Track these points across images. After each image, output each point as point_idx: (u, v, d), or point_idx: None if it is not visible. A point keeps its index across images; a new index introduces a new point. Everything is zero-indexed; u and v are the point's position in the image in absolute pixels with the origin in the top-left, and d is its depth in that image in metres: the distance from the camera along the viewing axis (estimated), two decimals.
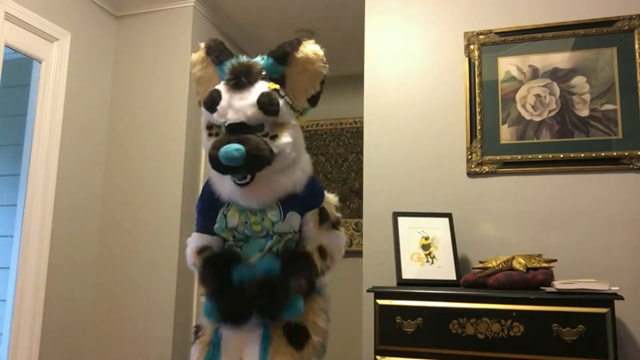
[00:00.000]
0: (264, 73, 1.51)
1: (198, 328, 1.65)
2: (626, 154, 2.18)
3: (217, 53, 1.59)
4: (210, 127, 1.52)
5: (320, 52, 1.54)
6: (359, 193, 4.00)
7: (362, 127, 2.62)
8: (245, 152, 1.38)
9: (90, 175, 3.11)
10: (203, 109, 1.52)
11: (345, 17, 3.50)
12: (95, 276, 3.10)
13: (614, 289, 1.77)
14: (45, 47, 2.83)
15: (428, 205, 2.37)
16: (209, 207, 1.63)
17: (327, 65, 1.55)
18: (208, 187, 1.63)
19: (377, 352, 1.90)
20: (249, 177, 1.46)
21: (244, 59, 1.54)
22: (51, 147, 2.81)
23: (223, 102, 1.46)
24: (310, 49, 1.53)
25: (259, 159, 1.42)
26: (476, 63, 2.41)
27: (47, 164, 2.78)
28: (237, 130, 1.44)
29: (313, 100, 1.57)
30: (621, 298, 1.74)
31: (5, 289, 2.69)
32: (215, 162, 1.41)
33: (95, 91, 3.17)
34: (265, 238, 1.57)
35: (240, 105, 1.45)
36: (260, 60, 1.55)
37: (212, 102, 1.48)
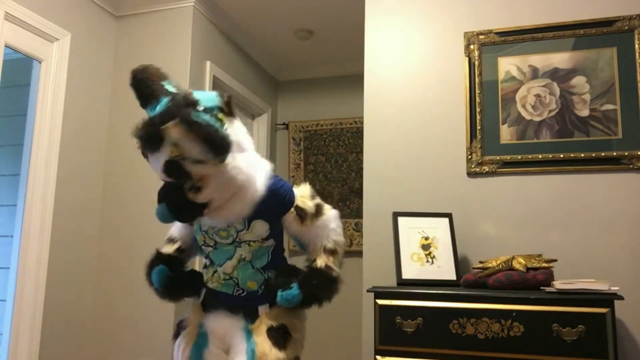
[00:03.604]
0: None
1: (182, 322, 1.72)
2: (626, 154, 2.18)
3: (142, 99, 1.62)
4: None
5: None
6: (359, 193, 4.01)
7: (362, 127, 2.62)
8: (168, 213, 1.43)
9: (90, 175, 3.11)
10: None
11: (345, 17, 3.50)
12: (95, 276, 3.10)
13: (614, 289, 1.77)
14: (45, 47, 2.83)
15: (428, 205, 2.37)
16: None
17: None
18: None
19: (377, 352, 1.89)
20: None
21: (157, 107, 1.58)
22: (51, 147, 2.81)
23: (151, 158, 1.48)
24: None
25: (185, 214, 1.46)
26: (476, 63, 2.41)
27: (47, 164, 2.78)
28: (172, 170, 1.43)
29: (212, 143, 1.42)
30: (621, 298, 1.74)
31: (5, 289, 2.69)
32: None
33: (95, 91, 3.17)
34: (232, 245, 1.60)
35: (156, 167, 1.45)
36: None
37: (143, 153, 1.51)
